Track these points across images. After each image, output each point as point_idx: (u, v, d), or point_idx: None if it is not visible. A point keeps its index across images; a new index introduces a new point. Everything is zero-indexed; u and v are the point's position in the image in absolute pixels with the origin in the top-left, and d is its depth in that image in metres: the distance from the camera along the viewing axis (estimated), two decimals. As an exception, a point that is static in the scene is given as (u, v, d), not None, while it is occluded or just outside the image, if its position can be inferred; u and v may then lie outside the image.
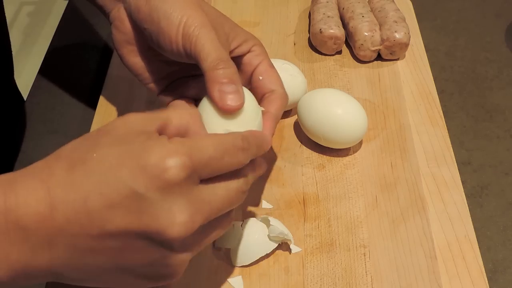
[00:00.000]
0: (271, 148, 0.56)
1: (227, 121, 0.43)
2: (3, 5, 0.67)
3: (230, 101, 0.42)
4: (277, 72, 0.49)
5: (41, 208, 0.33)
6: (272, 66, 0.49)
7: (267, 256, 0.48)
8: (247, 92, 0.45)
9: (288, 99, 0.49)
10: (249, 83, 0.49)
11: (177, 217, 0.34)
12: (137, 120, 0.37)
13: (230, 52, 0.48)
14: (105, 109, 0.61)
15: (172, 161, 0.34)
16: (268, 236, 0.48)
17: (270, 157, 0.55)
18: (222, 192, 0.37)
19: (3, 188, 0.34)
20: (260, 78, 0.49)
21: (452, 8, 0.76)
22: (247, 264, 0.47)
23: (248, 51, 0.49)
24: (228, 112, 0.43)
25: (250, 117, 0.43)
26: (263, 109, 0.46)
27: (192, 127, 0.40)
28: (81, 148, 0.36)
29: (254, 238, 0.48)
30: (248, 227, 0.48)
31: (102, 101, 0.61)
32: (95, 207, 0.33)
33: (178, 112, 0.40)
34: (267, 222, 0.48)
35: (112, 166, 0.34)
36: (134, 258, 0.35)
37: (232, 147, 0.37)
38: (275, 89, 0.48)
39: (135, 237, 0.34)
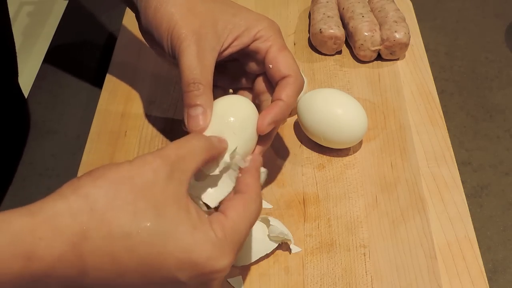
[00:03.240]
0: (271, 148, 0.56)
1: (221, 129, 0.45)
2: (7, 6, 0.67)
3: (192, 124, 0.46)
4: (288, 55, 0.48)
5: (72, 270, 0.33)
6: (282, 49, 0.48)
7: (267, 256, 0.48)
8: (240, 101, 0.46)
9: (303, 82, 0.48)
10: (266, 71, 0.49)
11: None
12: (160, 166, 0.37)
13: (225, 49, 0.47)
14: (105, 109, 0.61)
15: (221, 263, 0.36)
16: (268, 236, 0.48)
17: (270, 157, 0.55)
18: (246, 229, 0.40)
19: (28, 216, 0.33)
20: (270, 66, 0.48)
21: (452, 8, 0.76)
22: (247, 264, 0.47)
23: (254, 39, 0.48)
24: (194, 132, 0.45)
25: (241, 126, 0.45)
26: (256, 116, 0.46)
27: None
28: (121, 215, 0.35)
29: (254, 238, 0.48)
30: None
31: (102, 101, 0.61)
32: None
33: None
34: (267, 222, 0.48)
35: (159, 251, 0.35)
36: None
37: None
38: (286, 75, 0.47)
39: None
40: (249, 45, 0.48)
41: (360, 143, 0.56)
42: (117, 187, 0.35)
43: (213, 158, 0.42)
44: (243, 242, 0.39)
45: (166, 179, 0.36)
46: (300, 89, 0.47)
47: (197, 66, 0.45)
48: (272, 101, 0.47)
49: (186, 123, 0.46)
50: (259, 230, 0.48)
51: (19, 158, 0.60)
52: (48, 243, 0.32)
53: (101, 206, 0.34)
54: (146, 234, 0.34)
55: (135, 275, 0.34)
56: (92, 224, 0.33)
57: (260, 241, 0.48)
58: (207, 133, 0.45)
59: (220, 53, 0.47)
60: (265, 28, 0.48)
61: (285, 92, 0.46)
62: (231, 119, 0.45)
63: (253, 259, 0.47)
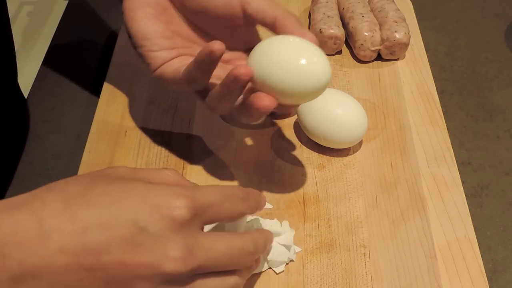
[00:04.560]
0: (271, 148, 0.56)
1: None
2: (6, 6, 0.67)
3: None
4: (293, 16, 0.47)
5: (31, 237, 0.32)
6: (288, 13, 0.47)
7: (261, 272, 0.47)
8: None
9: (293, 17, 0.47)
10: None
11: (171, 252, 0.33)
12: (126, 171, 0.37)
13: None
14: (105, 109, 0.61)
15: (179, 202, 0.34)
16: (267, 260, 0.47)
17: (270, 157, 0.55)
18: (223, 245, 0.36)
19: None
20: (256, 20, 0.48)
21: (452, 8, 0.76)
22: None
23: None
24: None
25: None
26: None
27: (180, 184, 0.39)
28: (76, 183, 0.35)
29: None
30: None
31: (102, 101, 0.61)
32: (93, 237, 0.32)
33: (164, 171, 0.39)
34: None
35: (115, 200, 0.33)
36: None
37: (232, 195, 0.38)
38: (272, 18, 0.46)
39: (127, 272, 0.33)
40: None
41: (360, 143, 0.56)
42: (76, 176, 0.37)
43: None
44: (209, 204, 0.36)
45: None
46: (293, 20, 0.47)
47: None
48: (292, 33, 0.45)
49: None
50: None
51: (19, 158, 0.60)
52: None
53: (60, 184, 0.35)
54: (102, 190, 0.34)
55: (96, 228, 0.32)
56: (48, 194, 0.34)
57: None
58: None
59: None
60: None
61: (290, 24, 0.46)
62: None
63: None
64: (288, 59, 0.43)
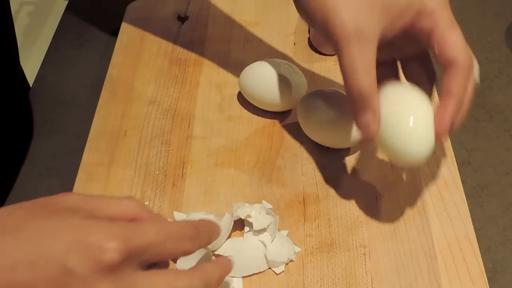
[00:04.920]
0: (271, 148, 0.56)
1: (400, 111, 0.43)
2: (9, 5, 0.67)
3: (362, 130, 0.44)
4: (456, 33, 0.42)
5: None
6: (449, 27, 0.42)
7: (260, 272, 0.47)
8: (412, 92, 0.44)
9: (471, 64, 0.42)
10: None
11: None
12: (77, 199, 0.36)
13: (386, 35, 0.43)
14: (105, 109, 0.61)
15: (111, 244, 0.32)
16: (265, 257, 0.47)
17: (270, 157, 0.55)
18: (163, 285, 0.34)
19: None
20: (436, 49, 0.42)
21: (452, 8, 0.75)
22: (238, 276, 0.47)
23: (416, 16, 0.42)
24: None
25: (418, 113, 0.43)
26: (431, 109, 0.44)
27: (138, 216, 0.37)
28: (15, 215, 0.34)
29: (251, 254, 0.47)
30: (247, 241, 0.48)
31: (102, 101, 0.61)
32: (20, 275, 0.31)
33: (123, 201, 0.37)
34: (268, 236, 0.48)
35: (46, 237, 0.32)
36: None
37: (177, 234, 0.35)
38: (453, 59, 0.42)
39: None
40: (410, 24, 0.43)
41: (360, 143, 0.56)
42: (21, 203, 0.35)
43: None
44: (147, 245, 0.34)
45: None
46: (468, 71, 0.42)
47: (362, 69, 0.42)
48: (441, 93, 0.43)
49: (359, 128, 0.44)
50: (257, 247, 0.47)
51: (24, 157, 0.60)
52: None
53: (1, 214, 0.34)
54: (36, 226, 0.33)
55: (23, 265, 0.31)
56: None
57: (256, 258, 0.47)
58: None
59: (380, 40, 0.42)
60: (427, 2, 0.42)
61: (453, 84, 0.42)
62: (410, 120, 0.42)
63: (245, 274, 0.47)
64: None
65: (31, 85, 0.69)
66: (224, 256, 0.40)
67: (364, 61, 0.42)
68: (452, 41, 0.42)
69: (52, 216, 0.33)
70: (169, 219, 0.50)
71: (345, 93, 0.54)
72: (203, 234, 0.38)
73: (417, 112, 0.43)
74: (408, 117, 0.43)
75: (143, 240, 0.34)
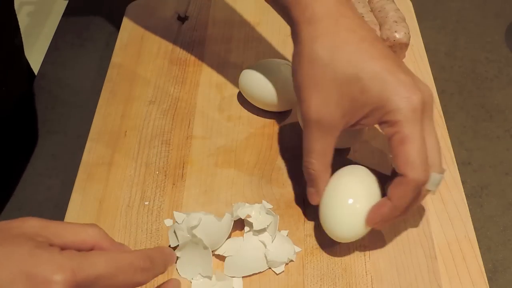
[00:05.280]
0: (271, 148, 0.56)
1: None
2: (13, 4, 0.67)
3: (309, 198, 0.49)
4: (410, 149, 0.42)
5: None
6: (405, 140, 0.43)
7: (260, 272, 0.47)
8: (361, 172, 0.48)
9: (420, 182, 0.43)
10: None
11: None
12: (35, 225, 0.35)
13: (347, 126, 0.46)
14: (105, 109, 0.61)
15: (58, 275, 0.32)
16: (265, 257, 0.47)
17: (270, 157, 0.55)
18: None
19: None
20: (390, 156, 0.45)
21: (452, 8, 0.76)
22: (238, 276, 0.47)
23: (379, 121, 0.45)
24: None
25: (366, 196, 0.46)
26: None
27: (97, 244, 0.37)
28: None
29: (251, 254, 0.47)
30: (247, 241, 0.48)
31: (102, 101, 0.61)
32: None
33: (83, 228, 0.37)
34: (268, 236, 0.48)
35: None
36: None
37: (129, 265, 0.35)
38: (402, 173, 0.43)
39: None
40: (375, 122, 0.45)
41: (360, 143, 0.56)
42: None
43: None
44: (96, 277, 0.33)
45: None
46: (414, 189, 0.43)
47: (315, 154, 0.47)
48: (386, 192, 0.45)
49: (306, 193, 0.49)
50: (257, 247, 0.48)
51: (28, 159, 0.60)
52: None
53: None
54: None
55: None
56: None
57: (256, 258, 0.47)
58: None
59: (344, 127, 0.47)
60: (395, 110, 0.43)
61: (394, 192, 0.44)
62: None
63: (245, 274, 0.47)
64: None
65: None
66: (174, 279, 0.41)
67: (319, 147, 0.47)
68: (405, 154, 0.43)
69: (4, 243, 0.33)
70: (167, 221, 0.50)
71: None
72: (157, 264, 0.37)
73: (357, 196, 0.46)
74: (346, 199, 0.46)
75: (92, 272, 0.33)
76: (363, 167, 0.49)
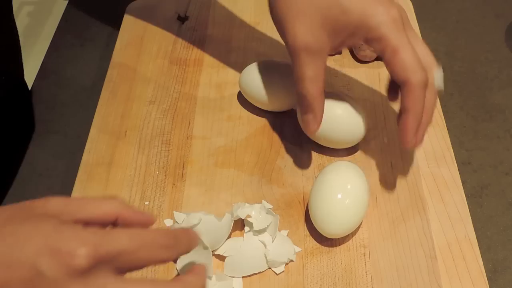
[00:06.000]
0: (271, 148, 0.56)
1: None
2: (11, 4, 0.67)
3: (305, 128, 0.51)
4: (404, 56, 0.45)
5: None
6: (396, 50, 0.45)
7: (260, 272, 0.47)
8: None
9: (425, 78, 0.45)
10: None
11: None
12: (58, 203, 0.36)
13: (336, 48, 0.49)
14: (105, 109, 0.61)
15: (80, 250, 0.33)
16: (265, 257, 0.48)
17: (270, 157, 0.56)
18: None
19: None
20: (388, 70, 0.47)
21: (452, 8, 0.76)
22: (238, 276, 0.47)
23: (366, 39, 0.47)
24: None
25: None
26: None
27: (120, 215, 0.38)
28: None
29: (251, 254, 0.47)
30: (247, 241, 0.48)
31: (102, 101, 0.61)
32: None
33: (104, 201, 0.38)
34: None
35: (20, 241, 0.33)
36: None
37: (152, 242, 0.36)
38: (405, 80, 0.45)
39: None
40: (361, 41, 0.48)
41: (360, 143, 0.56)
42: (2, 207, 0.36)
43: None
44: (118, 252, 0.34)
45: None
46: (421, 89, 0.45)
47: (308, 79, 0.48)
48: (401, 109, 0.47)
49: (301, 126, 0.51)
50: (257, 247, 0.48)
51: (22, 157, 0.60)
52: None
53: None
54: (12, 229, 0.34)
55: None
56: None
57: (256, 258, 0.47)
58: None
59: (330, 53, 0.49)
60: (378, 25, 0.45)
61: (407, 100, 0.46)
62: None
63: (245, 274, 0.47)
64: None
65: (31, 85, 0.69)
66: (198, 264, 0.40)
67: (311, 72, 0.48)
68: (401, 62, 0.45)
69: (29, 221, 0.34)
70: (167, 221, 0.50)
71: (343, 93, 0.55)
72: (181, 243, 0.37)
73: (346, 192, 0.47)
74: (335, 195, 0.47)
75: (114, 247, 0.34)
76: (350, 163, 0.50)
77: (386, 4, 0.46)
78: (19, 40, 0.70)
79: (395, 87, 0.50)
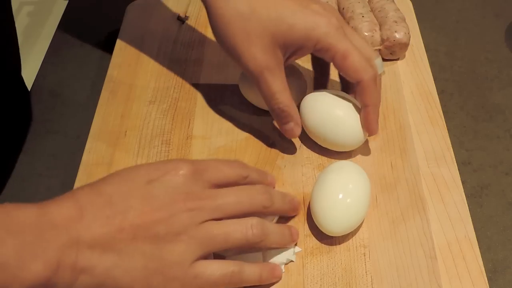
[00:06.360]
0: (271, 148, 0.56)
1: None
2: (10, 4, 0.67)
3: (290, 135, 0.55)
4: (352, 59, 0.49)
5: (72, 212, 0.39)
6: (345, 56, 0.50)
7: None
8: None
9: (375, 73, 0.50)
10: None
11: (181, 167, 0.43)
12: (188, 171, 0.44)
13: (289, 59, 0.53)
14: (105, 109, 0.61)
15: (182, 164, 0.43)
16: (265, 257, 0.47)
17: (270, 157, 0.55)
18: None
19: (35, 206, 0.38)
20: (341, 73, 0.52)
21: (452, 8, 0.76)
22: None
23: (315, 50, 0.51)
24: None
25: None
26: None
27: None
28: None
29: (251, 254, 0.47)
30: None
31: (102, 101, 0.61)
32: (116, 201, 0.40)
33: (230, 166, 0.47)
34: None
35: (129, 171, 0.43)
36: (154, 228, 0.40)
37: (230, 164, 0.46)
38: (357, 79, 0.50)
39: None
40: (312, 52, 0.52)
41: (360, 143, 0.56)
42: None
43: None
44: (206, 166, 0.45)
45: None
46: (374, 84, 0.50)
47: (278, 93, 0.52)
48: (361, 103, 0.52)
49: (285, 135, 0.55)
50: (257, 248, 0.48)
51: (18, 154, 0.60)
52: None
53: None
54: (118, 172, 0.43)
55: (117, 194, 0.41)
56: (78, 188, 0.42)
57: (255, 258, 0.47)
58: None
59: (285, 63, 0.53)
60: (323, 36, 0.50)
61: (365, 97, 0.51)
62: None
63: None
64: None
65: (31, 85, 0.69)
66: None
67: (278, 85, 0.52)
68: (352, 65, 0.50)
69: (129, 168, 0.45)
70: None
71: (347, 94, 0.55)
72: (254, 173, 0.48)
73: (347, 191, 0.48)
74: (337, 194, 0.48)
75: (204, 164, 0.45)
76: (352, 162, 0.51)
77: (326, 15, 0.50)
78: (17, 38, 0.70)
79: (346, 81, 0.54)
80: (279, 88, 0.52)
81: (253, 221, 0.43)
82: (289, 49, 0.51)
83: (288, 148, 0.56)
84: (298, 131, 0.54)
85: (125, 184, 0.41)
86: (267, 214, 0.46)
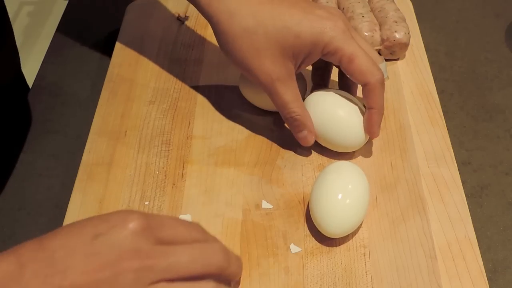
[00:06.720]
0: (271, 148, 0.56)
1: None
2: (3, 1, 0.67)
3: (304, 143, 0.55)
4: (360, 62, 0.50)
5: (11, 268, 0.35)
6: (352, 58, 0.50)
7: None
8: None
9: (381, 76, 0.50)
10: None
11: (129, 220, 0.37)
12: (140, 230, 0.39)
13: (299, 68, 0.53)
14: (105, 109, 0.61)
15: (132, 216, 0.37)
16: None
17: (270, 157, 0.56)
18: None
19: None
20: (349, 76, 0.52)
21: (452, 8, 0.76)
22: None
23: (322, 55, 0.51)
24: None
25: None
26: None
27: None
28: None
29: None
30: None
31: (102, 101, 0.61)
32: (58, 257, 0.35)
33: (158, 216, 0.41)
34: None
35: (77, 224, 0.38)
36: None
37: (188, 225, 0.40)
38: (365, 82, 0.50)
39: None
40: (321, 57, 0.52)
41: (360, 143, 0.56)
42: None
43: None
44: (161, 223, 0.39)
45: None
46: (380, 87, 0.51)
47: (291, 102, 0.52)
48: (366, 105, 0.52)
49: (299, 142, 0.55)
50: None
51: (19, 154, 0.60)
52: None
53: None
54: (68, 226, 0.38)
55: (60, 249, 0.36)
56: (24, 243, 0.37)
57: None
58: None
59: (296, 71, 0.53)
60: (330, 40, 0.50)
61: (371, 100, 0.51)
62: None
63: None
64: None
65: (31, 85, 0.69)
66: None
67: (290, 95, 0.52)
68: (359, 68, 0.50)
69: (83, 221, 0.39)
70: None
71: (348, 94, 0.55)
72: (232, 261, 0.40)
73: (346, 192, 0.48)
74: (336, 195, 0.48)
75: (158, 221, 0.39)
76: (351, 163, 0.51)
77: (332, 18, 0.50)
78: (14, 39, 0.70)
79: (344, 78, 0.56)
80: (291, 98, 0.52)
81: (209, 285, 0.38)
82: (299, 57, 0.52)
83: (288, 148, 0.56)
84: (312, 139, 0.54)
85: (70, 238, 0.37)
86: (222, 278, 0.40)
